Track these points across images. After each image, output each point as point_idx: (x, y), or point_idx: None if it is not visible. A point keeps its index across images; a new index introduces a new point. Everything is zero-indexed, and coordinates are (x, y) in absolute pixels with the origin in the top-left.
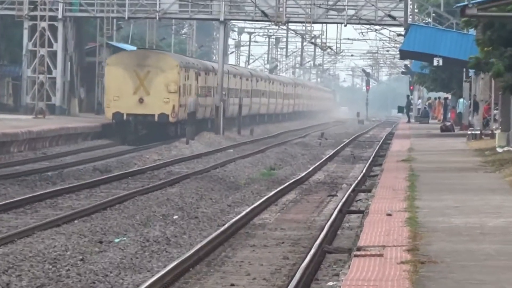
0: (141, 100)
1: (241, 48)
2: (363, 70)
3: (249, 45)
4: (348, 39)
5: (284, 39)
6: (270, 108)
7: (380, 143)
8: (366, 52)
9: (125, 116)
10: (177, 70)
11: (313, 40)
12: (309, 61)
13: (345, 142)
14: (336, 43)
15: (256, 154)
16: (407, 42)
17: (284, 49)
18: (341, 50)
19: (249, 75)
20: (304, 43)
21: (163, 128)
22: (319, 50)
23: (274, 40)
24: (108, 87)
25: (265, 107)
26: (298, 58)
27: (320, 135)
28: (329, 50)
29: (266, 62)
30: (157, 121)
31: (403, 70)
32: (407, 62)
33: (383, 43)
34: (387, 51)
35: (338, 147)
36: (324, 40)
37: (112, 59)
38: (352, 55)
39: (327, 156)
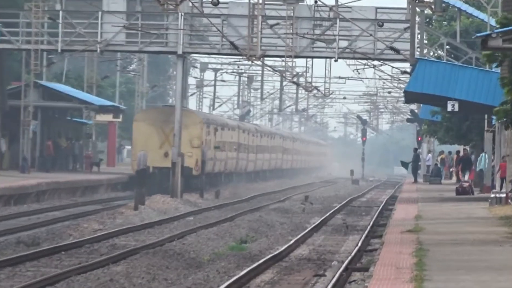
0: (166, 154)
1: (205, 89)
2: (358, 117)
3: (215, 85)
4: (340, 77)
5: (259, 78)
6: (258, 165)
7: (379, 209)
8: (362, 95)
9: (151, 169)
10: (201, 126)
11: (295, 79)
12: (289, 105)
13: (336, 208)
14: (325, 82)
15: (223, 223)
16: (414, 81)
17: (259, 90)
18: (330, 92)
19: (253, 130)
20: (284, 83)
21: (186, 180)
22: (303, 91)
23: (246, 79)
24: (135, 142)
25: (252, 163)
26: (277, 102)
27: (304, 199)
28: (315, 91)
29: (235, 107)
30: (182, 174)
31: (409, 117)
32: (413, 107)
33: (384, 82)
34: (389, 92)
35: (327, 214)
36: (309, 79)
37: (139, 115)
38: (344, 98)
39: (313, 225)
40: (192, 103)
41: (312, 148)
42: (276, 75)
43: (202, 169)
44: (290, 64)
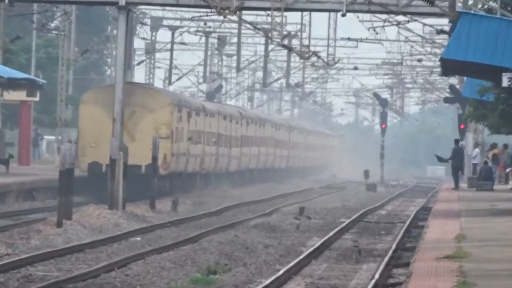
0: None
1: (158, 55)
2: (376, 95)
3: (172, 50)
4: (349, 39)
5: (234, 40)
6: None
7: (405, 227)
8: (381, 64)
9: (104, 167)
10: (170, 109)
11: (285, 42)
12: (278, 79)
13: (343, 224)
14: (328, 47)
15: (183, 245)
16: (455, 45)
17: (234, 58)
18: (335, 60)
19: (238, 116)
20: (270, 47)
21: (151, 181)
22: (297, 59)
23: (216, 41)
24: (82, 130)
25: (236, 160)
26: (259, 74)
27: (299, 212)
28: (314, 59)
29: (201, 80)
30: (144, 174)
31: (448, 95)
32: (454, 81)
33: (412, 47)
34: (419, 61)
35: (331, 233)
36: (305, 42)
37: (88, 95)
38: (355, 68)
39: (311, 248)
40: (139, 75)
41: (315, 140)
42: (258, 35)
43: (153, 168)
44: (278, 20)
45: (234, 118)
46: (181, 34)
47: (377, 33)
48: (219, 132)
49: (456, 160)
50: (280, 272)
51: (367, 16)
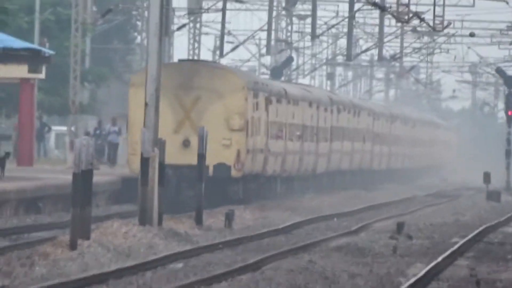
0: (186, 143)
1: (205, 18)
2: (499, 71)
3: (224, 10)
4: None
5: None
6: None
7: None
8: (507, 29)
9: None
10: (244, 94)
11: None
12: (367, 49)
13: (456, 246)
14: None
15: (240, 274)
16: None
17: (309, 20)
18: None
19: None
20: (357, 6)
21: (221, 186)
22: (393, 22)
23: None
24: (133, 122)
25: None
26: (342, 42)
27: (396, 229)
28: (416, 23)
29: (263, 51)
30: (213, 176)
31: None
32: None
33: None
34: None
35: (439, 258)
36: (403, 0)
37: (139, 77)
38: (472, 35)
39: (413, 279)
40: (180, 44)
41: (424, 134)
42: None
43: (200, 170)
44: None
45: (322, 104)
46: None
47: None
48: (304, 124)
49: None
50: None
51: None
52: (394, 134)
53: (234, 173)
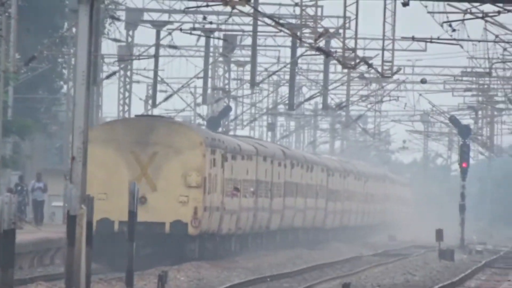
0: (142, 200)
1: (136, 64)
2: (452, 121)
3: (156, 57)
4: (414, 40)
5: (247, 42)
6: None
7: None
8: (461, 75)
9: (116, 226)
10: (202, 150)
11: (321, 44)
12: (310, 98)
13: None
14: (383, 51)
15: None
16: None
17: (248, 67)
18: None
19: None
20: (299, 51)
21: (178, 244)
22: (338, 68)
23: (221, 43)
24: (90, 180)
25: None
26: (284, 90)
27: None
28: (364, 69)
29: (199, 100)
30: (169, 233)
31: None
32: None
33: (505, 49)
34: None
35: None
36: (350, 44)
37: (96, 132)
38: (423, 82)
39: None
40: (110, 93)
41: (379, 189)
42: (282, 35)
43: (130, 226)
44: (311, 12)
45: (276, 159)
46: (170, 33)
47: (454, 30)
48: (257, 179)
49: None
50: None
51: (440, 6)
52: (349, 190)
53: (191, 230)
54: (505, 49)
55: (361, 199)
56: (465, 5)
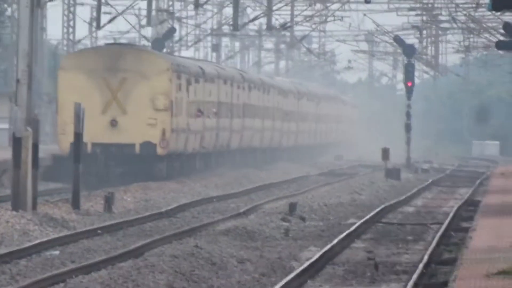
0: (113, 123)
1: None
2: (397, 40)
3: None
4: None
5: None
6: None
7: (442, 230)
8: None
9: (89, 147)
10: (168, 76)
11: None
12: (254, 19)
13: (352, 228)
14: None
15: (121, 261)
16: None
17: None
18: None
19: (239, 78)
20: None
21: (147, 164)
22: None
23: None
24: (62, 103)
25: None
26: (227, 11)
27: (289, 209)
28: None
29: (143, 22)
30: (139, 154)
31: (502, 38)
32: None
33: None
34: None
35: (334, 241)
36: None
37: (68, 60)
38: (367, 1)
39: (306, 264)
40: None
41: (331, 110)
42: None
43: (76, 148)
44: None
45: (235, 81)
46: None
47: None
48: (219, 101)
49: None
50: None
51: None
52: (301, 111)
53: (159, 151)
54: None
55: (314, 119)
56: None
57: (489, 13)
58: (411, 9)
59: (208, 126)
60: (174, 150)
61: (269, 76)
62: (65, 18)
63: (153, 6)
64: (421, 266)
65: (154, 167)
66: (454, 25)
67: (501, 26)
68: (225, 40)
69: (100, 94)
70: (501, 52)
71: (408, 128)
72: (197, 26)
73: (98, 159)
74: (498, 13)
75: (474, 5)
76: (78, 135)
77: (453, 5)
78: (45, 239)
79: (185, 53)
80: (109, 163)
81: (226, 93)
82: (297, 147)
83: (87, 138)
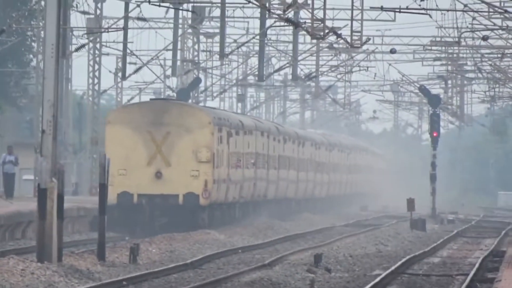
0: (158, 175)
1: (105, 37)
2: (423, 90)
3: (125, 29)
4: (383, 10)
5: (216, 14)
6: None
7: (468, 281)
8: (430, 44)
9: (135, 198)
10: (210, 129)
11: (289, 15)
12: (279, 69)
13: (378, 279)
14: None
15: None
16: None
17: (217, 39)
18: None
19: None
20: (268, 23)
21: (190, 214)
22: (307, 39)
23: (190, 15)
24: (109, 156)
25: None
26: (253, 61)
27: (314, 260)
28: (333, 39)
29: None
30: (183, 205)
31: None
32: None
33: (474, 19)
34: (484, 39)
35: None
36: (319, 15)
37: (115, 114)
38: (392, 52)
39: None
40: (79, 65)
41: (360, 161)
42: (251, 6)
43: (102, 199)
44: None
45: (271, 134)
46: (138, 5)
47: (422, 0)
48: (256, 152)
49: None
50: None
51: None
52: (333, 162)
53: (202, 201)
54: (473, 18)
55: (345, 170)
56: None
57: None
58: (436, 59)
59: (247, 176)
60: (216, 200)
61: (302, 129)
62: (90, 69)
63: (178, 57)
64: None
65: (197, 216)
66: (480, 75)
67: None
68: (251, 91)
69: (145, 147)
70: None
71: (433, 178)
72: (223, 76)
73: (143, 210)
74: None
75: (499, 55)
76: (102, 186)
77: (479, 55)
78: None
79: (210, 103)
80: (153, 213)
81: (263, 145)
82: (329, 197)
83: (133, 189)
